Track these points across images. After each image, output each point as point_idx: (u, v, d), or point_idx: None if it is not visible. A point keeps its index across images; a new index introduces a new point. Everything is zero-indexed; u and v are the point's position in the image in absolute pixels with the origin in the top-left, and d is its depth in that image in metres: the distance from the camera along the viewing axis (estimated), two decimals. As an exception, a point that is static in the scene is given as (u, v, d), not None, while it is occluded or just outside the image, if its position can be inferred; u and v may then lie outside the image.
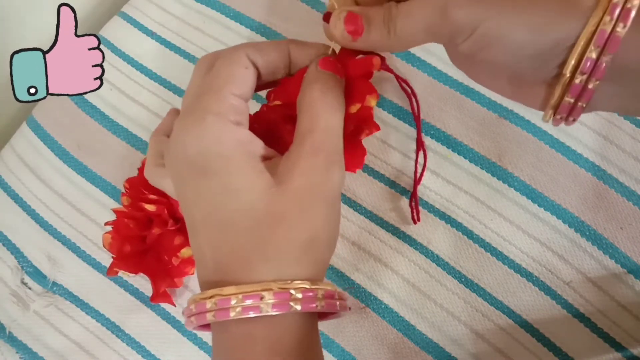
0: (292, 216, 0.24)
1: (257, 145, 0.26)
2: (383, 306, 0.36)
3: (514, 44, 0.23)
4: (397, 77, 0.35)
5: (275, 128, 0.29)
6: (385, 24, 0.25)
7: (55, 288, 0.38)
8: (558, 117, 0.25)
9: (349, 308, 0.26)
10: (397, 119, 0.39)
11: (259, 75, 0.28)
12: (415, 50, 0.41)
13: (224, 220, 0.24)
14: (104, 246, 0.35)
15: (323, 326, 0.36)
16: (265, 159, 0.26)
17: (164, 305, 0.37)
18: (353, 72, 0.29)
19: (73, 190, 0.40)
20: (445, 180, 0.38)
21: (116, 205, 0.39)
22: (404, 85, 0.37)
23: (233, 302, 0.23)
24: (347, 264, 0.37)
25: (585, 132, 0.38)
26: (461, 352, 0.35)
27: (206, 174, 0.24)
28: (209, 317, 0.23)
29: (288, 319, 0.24)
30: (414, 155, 0.38)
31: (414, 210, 0.36)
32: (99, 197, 0.40)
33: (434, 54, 0.40)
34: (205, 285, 0.25)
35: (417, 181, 0.37)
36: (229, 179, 0.24)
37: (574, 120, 0.25)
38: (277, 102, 0.30)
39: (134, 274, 0.36)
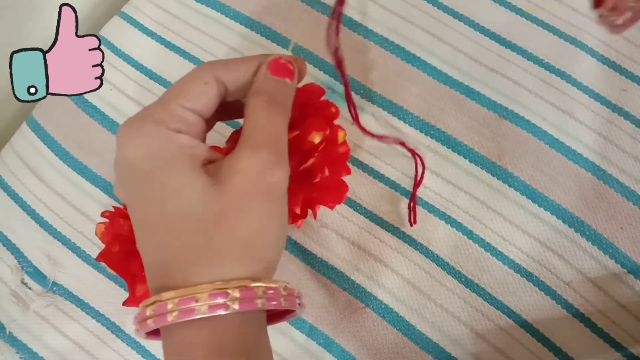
0: (231, 215, 0.24)
1: (200, 149, 0.26)
2: (383, 306, 0.36)
3: None
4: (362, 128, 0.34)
5: None
6: None
7: (55, 288, 0.38)
8: None
9: (299, 304, 0.25)
10: (399, 120, 0.39)
11: (227, 92, 0.28)
12: (416, 50, 0.41)
13: (163, 223, 0.24)
14: (96, 234, 0.35)
15: (323, 326, 0.36)
16: (210, 162, 0.26)
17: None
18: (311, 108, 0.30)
19: (73, 190, 0.40)
20: (445, 180, 0.38)
21: (116, 205, 0.39)
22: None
23: (170, 306, 0.22)
24: (347, 264, 0.37)
25: (585, 132, 0.38)
26: (461, 352, 0.35)
27: (146, 177, 0.25)
28: (150, 323, 0.23)
29: (228, 320, 0.23)
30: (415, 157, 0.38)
31: (412, 212, 0.36)
32: (99, 197, 0.40)
33: (434, 54, 0.41)
34: (152, 290, 0.25)
35: (416, 184, 0.37)
36: (167, 180, 0.24)
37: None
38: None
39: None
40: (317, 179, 0.32)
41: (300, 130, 0.31)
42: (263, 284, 0.24)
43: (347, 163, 0.34)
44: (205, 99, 0.26)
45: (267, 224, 0.25)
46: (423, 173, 0.37)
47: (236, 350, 0.23)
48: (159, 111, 0.25)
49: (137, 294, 0.35)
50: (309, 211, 0.34)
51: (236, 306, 0.23)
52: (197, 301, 0.22)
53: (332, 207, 0.34)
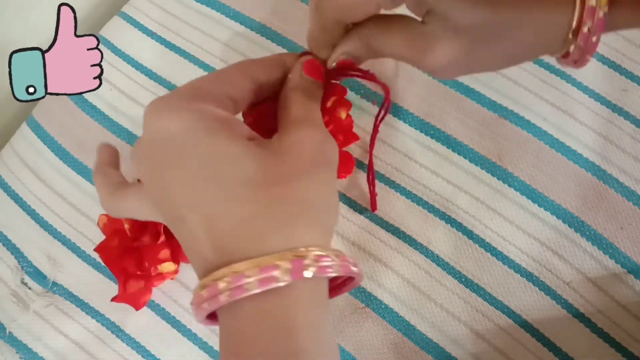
0: (297, 181, 0.24)
1: (242, 125, 0.27)
2: (383, 306, 0.36)
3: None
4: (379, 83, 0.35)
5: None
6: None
7: (55, 288, 0.38)
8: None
9: (357, 271, 0.25)
10: (399, 120, 0.39)
11: (261, 90, 0.29)
12: (415, 50, 0.41)
13: (219, 194, 0.23)
14: (98, 225, 0.35)
15: (323, 326, 0.36)
16: (250, 139, 0.26)
17: (164, 305, 0.37)
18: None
19: (73, 190, 0.40)
20: (445, 180, 0.38)
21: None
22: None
23: (248, 276, 0.22)
24: (347, 264, 0.37)
25: (585, 132, 0.38)
26: (461, 352, 0.35)
27: (193, 148, 0.24)
28: (223, 298, 0.22)
29: (296, 292, 0.23)
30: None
31: (372, 192, 0.37)
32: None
33: (434, 54, 0.40)
34: (206, 273, 0.23)
35: (372, 146, 0.37)
36: (222, 147, 0.24)
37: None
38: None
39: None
40: None
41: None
42: (334, 251, 0.24)
43: (353, 131, 0.35)
44: (243, 93, 0.28)
45: (330, 190, 0.26)
46: (388, 107, 0.36)
47: (306, 323, 0.23)
48: (196, 89, 0.26)
49: (128, 290, 0.35)
50: None
51: (310, 273, 0.22)
52: (278, 269, 0.22)
53: (344, 177, 0.35)
